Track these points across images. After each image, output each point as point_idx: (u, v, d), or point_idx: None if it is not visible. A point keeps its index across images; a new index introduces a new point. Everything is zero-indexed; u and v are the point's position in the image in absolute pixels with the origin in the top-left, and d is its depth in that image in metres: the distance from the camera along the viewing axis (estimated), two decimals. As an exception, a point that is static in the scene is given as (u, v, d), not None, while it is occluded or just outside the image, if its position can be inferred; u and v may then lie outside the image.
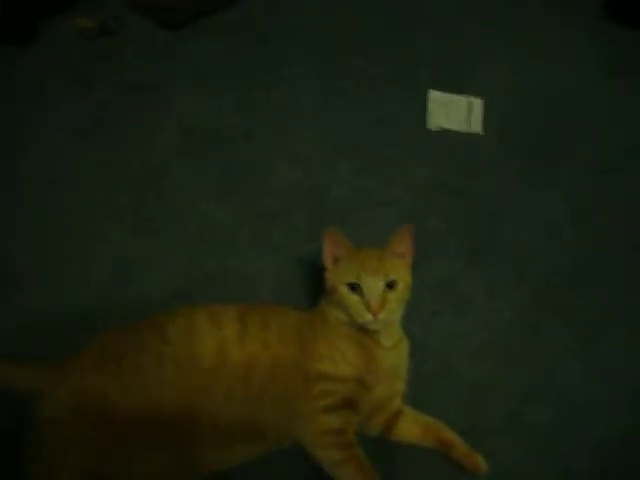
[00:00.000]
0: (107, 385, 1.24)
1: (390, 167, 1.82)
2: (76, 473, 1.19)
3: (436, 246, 1.66)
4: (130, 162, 1.79)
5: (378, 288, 1.27)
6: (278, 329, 1.33)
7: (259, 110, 1.92)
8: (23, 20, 2.00)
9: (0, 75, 1.95)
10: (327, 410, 1.27)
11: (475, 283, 1.63)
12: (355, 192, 1.77)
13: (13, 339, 1.48)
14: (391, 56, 2.08)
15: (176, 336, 1.29)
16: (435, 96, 1.95)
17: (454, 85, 2.00)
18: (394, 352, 1.36)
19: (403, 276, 1.32)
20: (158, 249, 1.64)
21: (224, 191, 1.75)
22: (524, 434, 1.42)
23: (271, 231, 1.68)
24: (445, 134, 1.90)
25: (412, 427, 1.36)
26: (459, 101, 1.95)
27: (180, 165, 1.79)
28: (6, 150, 1.79)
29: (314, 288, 1.54)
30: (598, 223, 1.75)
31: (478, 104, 1.95)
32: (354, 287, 1.28)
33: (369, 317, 1.27)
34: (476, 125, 1.91)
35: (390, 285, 1.29)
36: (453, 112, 1.92)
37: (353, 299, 1.28)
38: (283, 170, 1.80)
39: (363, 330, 1.31)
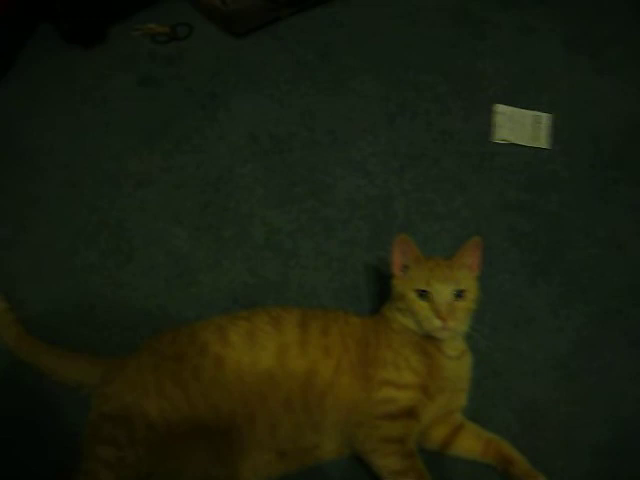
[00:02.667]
0: (164, 386, 1.25)
1: (453, 180, 1.81)
2: (124, 471, 1.20)
3: (499, 261, 1.63)
4: (194, 167, 1.81)
5: (448, 295, 1.26)
6: (340, 335, 1.32)
7: (323, 119, 1.93)
8: (93, 23, 2.06)
9: (67, 77, 2.00)
10: (389, 417, 1.25)
11: (538, 300, 1.60)
12: (416, 204, 1.76)
13: (64, 323, 1.50)
14: (456, 70, 2.07)
15: (237, 340, 1.29)
16: (502, 110, 1.94)
17: (521, 100, 1.98)
18: (458, 363, 1.34)
19: (471, 287, 1.31)
20: (220, 254, 1.65)
21: (286, 199, 1.75)
22: (581, 456, 1.37)
23: (332, 240, 1.68)
24: (511, 148, 1.87)
25: (472, 441, 1.33)
26: (526, 115, 1.93)
27: (243, 172, 1.80)
28: (70, 151, 1.82)
29: (374, 297, 1.54)
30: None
31: (545, 118, 1.93)
32: (423, 294, 1.27)
33: (438, 324, 1.25)
34: (543, 140, 1.88)
35: (459, 294, 1.28)
36: (519, 126, 1.90)
37: (422, 305, 1.27)
38: (345, 180, 1.80)
39: (428, 338, 1.30)
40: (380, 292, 1.47)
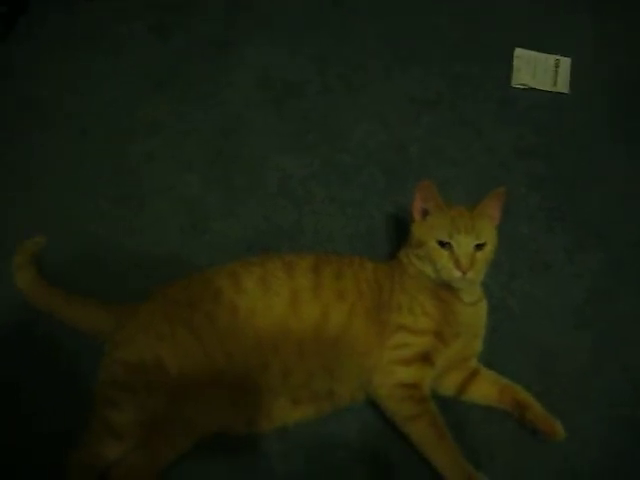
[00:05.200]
0: (177, 332, 1.24)
1: (469, 126, 1.77)
2: (138, 416, 1.21)
3: (516, 207, 1.60)
4: (205, 114, 1.78)
5: (469, 247, 1.25)
6: (354, 280, 1.31)
7: (335, 65, 1.88)
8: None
9: (74, 27, 1.95)
10: (403, 362, 1.25)
11: (555, 246, 1.58)
12: (432, 150, 1.73)
13: (78, 272, 1.50)
14: (473, 14, 2.00)
15: (250, 286, 1.28)
16: (521, 54, 1.88)
17: (541, 44, 1.92)
18: (473, 309, 1.33)
19: (491, 238, 1.29)
20: (232, 201, 1.63)
21: (299, 145, 1.73)
22: (596, 403, 1.38)
23: (346, 186, 1.66)
24: (529, 93, 1.83)
25: (487, 387, 1.33)
26: (546, 59, 1.87)
27: (255, 118, 1.77)
28: (77, 101, 1.80)
29: (389, 243, 1.52)
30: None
31: (566, 62, 1.87)
32: (444, 244, 1.26)
33: (458, 274, 1.25)
34: (563, 85, 1.83)
35: (479, 245, 1.26)
36: (539, 71, 1.85)
37: (442, 255, 1.26)
38: (359, 126, 1.77)
39: (444, 285, 1.29)
40: (395, 238, 1.45)
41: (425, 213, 1.32)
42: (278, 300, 1.26)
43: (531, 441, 1.30)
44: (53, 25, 1.94)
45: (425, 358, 1.26)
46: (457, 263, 1.24)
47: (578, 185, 1.68)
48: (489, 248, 1.28)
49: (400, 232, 1.38)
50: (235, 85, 1.84)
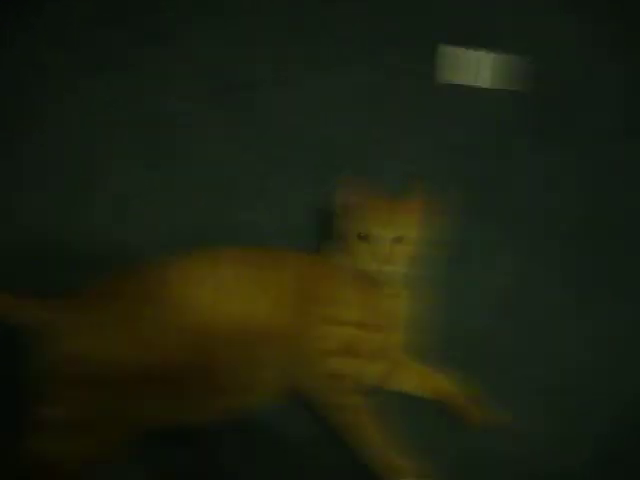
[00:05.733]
0: (106, 326, 1.23)
1: (397, 121, 1.78)
2: (78, 410, 1.19)
3: (444, 203, 1.62)
4: (144, 106, 1.75)
5: (386, 240, 1.27)
6: (278, 272, 1.31)
7: (268, 58, 1.86)
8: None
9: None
10: (328, 353, 1.26)
11: (477, 237, 1.61)
12: (363, 145, 1.73)
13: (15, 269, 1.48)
14: (399, 9, 2.01)
15: (175, 280, 1.27)
16: (446, 50, 1.91)
17: (468, 40, 1.94)
18: (397, 300, 1.35)
19: (413, 231, 1.31)
20: (165, 195, 1.62)
21: (229, 137, 1.72)
22: (523, 387, 1.42)
23: (275, 179, 1.66)
24: (457, 89, 1.85)
25: (413, 377, 1.36)
26: (470, 56, 1.90)
27: (192, 111, 1.75)
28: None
29: (316, 235, 1.52)
30: (606, 191, 1.72)
31: (490, 59, 1.90)
32: (364, 237, 1.28)
33: (375, 267, 1.27)
34: (488, 81, 1.87)
35: (399, 239, 1.28)
36: (463, 66, 1.88)
37: (362, 248, 1.28)
38: (290, 119, 1.76)
39: (367, 277, 1.30)
40: (321, 231, 1.46)
41: (348, 206, 1.34)
42: (202, 293, 1.26)
43: (458, 429, 1.33)
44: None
45: (350, 349, 1.27)
46: (375, 256, 1.26)
47: (499, 177, 1.71)
48: (410, 241, 1.30)
49: (327, 225, 1.39)
50: (176, 77, 1.80)
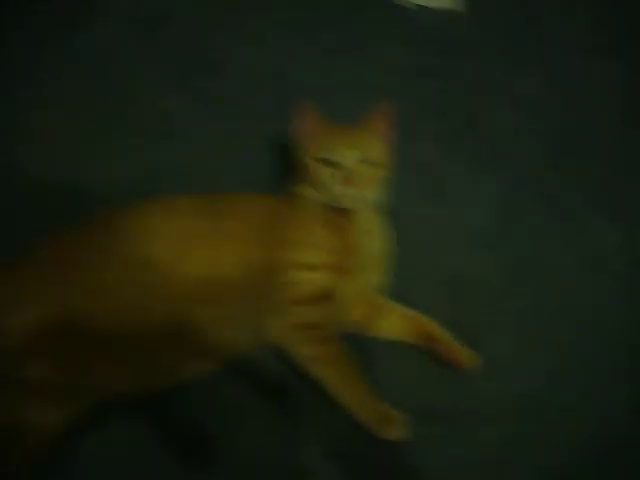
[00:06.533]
0: (55, 287, 1.09)
1: (360, 47, 1.69)
2: (40, 382, 1.06)
3: (414, 130, 1.51)
4: (78, 48, 1.62)
5: (352, 161, 1.18)
6: (240, 218, 1.20)
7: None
8: None
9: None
10: (300, 302, 1.16)
11: (455, 167, 1.53)
12: (322, 74, 1.63)
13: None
14: None
15: (129, 234, 1.14)
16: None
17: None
18: (373, 237, 1.25)
19: (379, 153, 1.22)
20: (112, 142, 1.49)
21: (174, 78, 1.59)
22: (506, 326, 1.33)
23: (229, 117, 1.54)
24: (419, 11, 1.74)
25: (395, 321, 1.27)
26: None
27: (129, 52, 1.62)
28: None
29: (279, 175, 1.42)
30: (579, 108, 1.65)
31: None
32: (328, 161, 1.19)
33: (341, 190, 1.17)
34: (459, 3, 1.75)
35: (365, 160, 1.19)
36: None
37: (325, 171, 1.19)
38: (239, 52, 1.65)
39: (340, 212, 1.20)
40: (285, 169, 1.35)
41: (307, 133, 1.24)
42: (159, 245, 1.13)
43: (442, 372, 1.24)
44: None
45: (325, 295, 1.17)
46: (340, 178, 1.17)
47: (473, 104, 1.62)
48: (376, 163, 1.21)
49: (290, 162, 1.28)
50: (104, 17, 1.67)
